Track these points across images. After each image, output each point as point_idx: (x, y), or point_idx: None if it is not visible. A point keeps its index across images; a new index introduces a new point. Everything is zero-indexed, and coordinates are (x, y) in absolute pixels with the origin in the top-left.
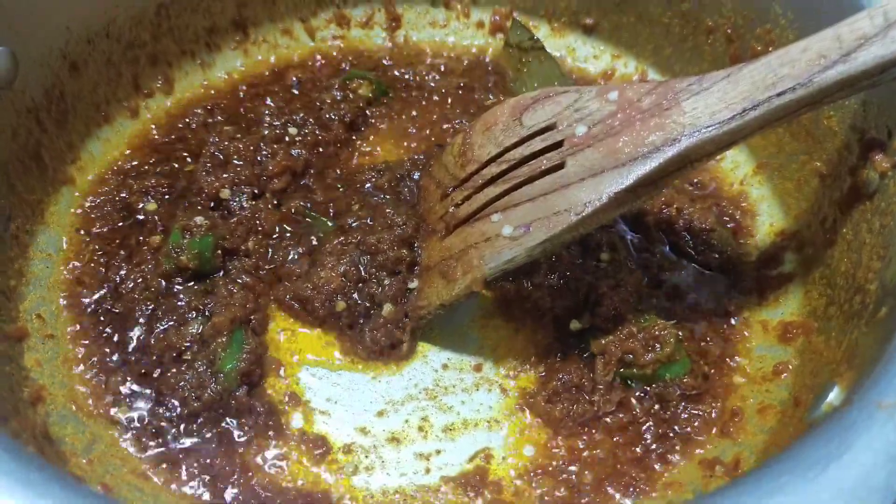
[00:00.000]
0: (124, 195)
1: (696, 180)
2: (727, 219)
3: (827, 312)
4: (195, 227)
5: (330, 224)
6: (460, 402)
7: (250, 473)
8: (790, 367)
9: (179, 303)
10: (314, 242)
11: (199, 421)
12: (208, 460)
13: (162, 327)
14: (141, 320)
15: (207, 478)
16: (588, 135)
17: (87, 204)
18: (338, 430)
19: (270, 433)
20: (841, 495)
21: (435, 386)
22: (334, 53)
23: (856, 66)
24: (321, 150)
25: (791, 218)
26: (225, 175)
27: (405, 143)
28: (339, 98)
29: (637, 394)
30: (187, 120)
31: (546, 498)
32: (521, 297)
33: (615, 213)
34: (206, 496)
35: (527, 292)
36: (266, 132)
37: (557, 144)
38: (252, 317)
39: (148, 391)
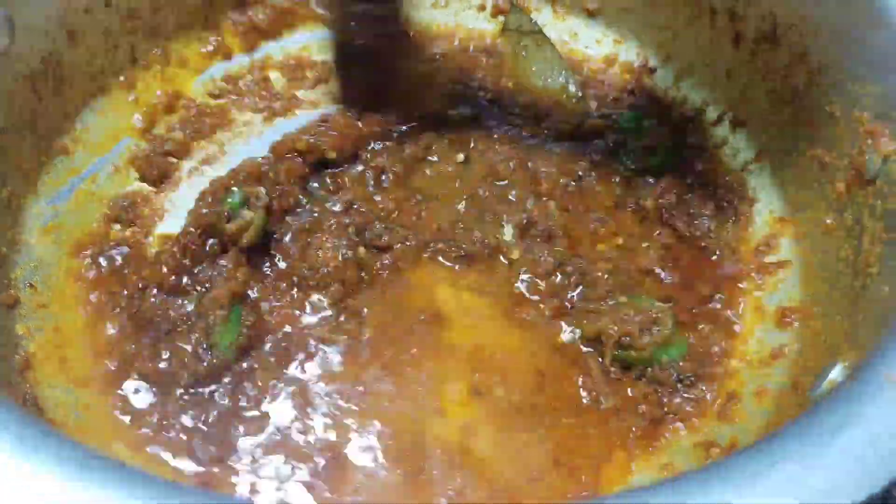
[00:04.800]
0: None
1: (695, 167)
2: (726, 205)
3: (828, 297)
4: None
5: (328, 202)
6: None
7: (247, 449)
8: (788, 351)
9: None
10: (310, 220)
11: (194, 393)
12: (203, 435)
13: (157, 299)
14: (135, 291)
15: (202, 452)
16: None
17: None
18: None
19: (267, 408)
20: (850, 461)
21: None
22: None
23: None
24: None
25: (790, 205)
26: None
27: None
28: None
29: (633, 377)
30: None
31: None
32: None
33: None
34: (201, 470)
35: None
36: None
37: None
38: (250, 292)
39: (142, 362)
